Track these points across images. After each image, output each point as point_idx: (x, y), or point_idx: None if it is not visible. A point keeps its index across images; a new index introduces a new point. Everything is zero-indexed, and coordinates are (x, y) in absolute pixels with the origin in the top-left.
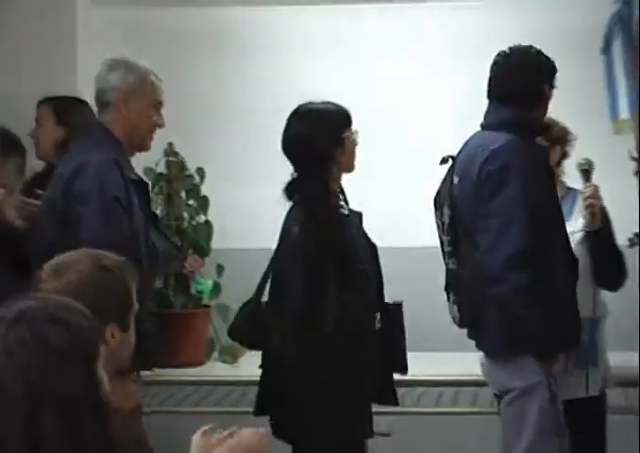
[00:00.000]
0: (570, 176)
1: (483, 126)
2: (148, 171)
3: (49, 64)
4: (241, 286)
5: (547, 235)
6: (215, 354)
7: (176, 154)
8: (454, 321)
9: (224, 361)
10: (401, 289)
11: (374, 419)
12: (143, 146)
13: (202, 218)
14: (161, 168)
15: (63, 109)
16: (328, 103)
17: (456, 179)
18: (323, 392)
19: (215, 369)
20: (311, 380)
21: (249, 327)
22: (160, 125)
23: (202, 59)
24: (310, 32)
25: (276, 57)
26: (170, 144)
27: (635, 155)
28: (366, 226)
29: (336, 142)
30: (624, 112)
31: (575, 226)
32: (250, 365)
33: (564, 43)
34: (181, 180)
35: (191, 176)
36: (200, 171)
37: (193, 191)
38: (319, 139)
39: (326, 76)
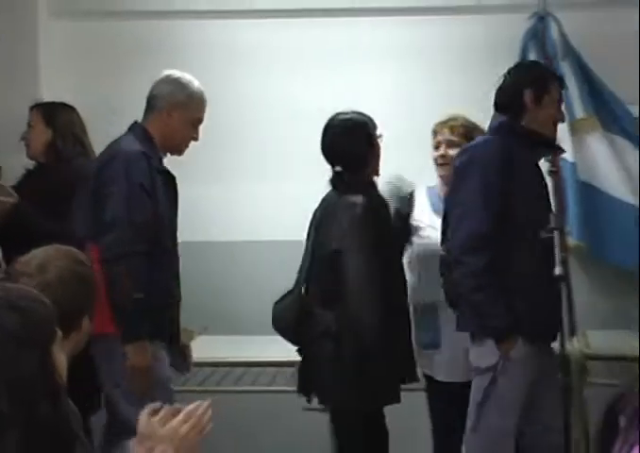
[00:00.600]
0: None
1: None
2: None
3: (11, 75)
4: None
5: (517, 229)
6: None
7: None
8: None
9: None
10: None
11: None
12: (176, 152)
13: None
14: None
15: (51, 113)
16: (358, 113)
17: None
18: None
19: None
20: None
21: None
22: (195, 139)
23: (157, 69)
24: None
25: (219, 66)
26: None
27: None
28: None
29: (369, 145)
30: None
31: None
32: (199, 348)
33: (485, 55)
34: None
35: None
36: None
37: None
38: (357, 143)
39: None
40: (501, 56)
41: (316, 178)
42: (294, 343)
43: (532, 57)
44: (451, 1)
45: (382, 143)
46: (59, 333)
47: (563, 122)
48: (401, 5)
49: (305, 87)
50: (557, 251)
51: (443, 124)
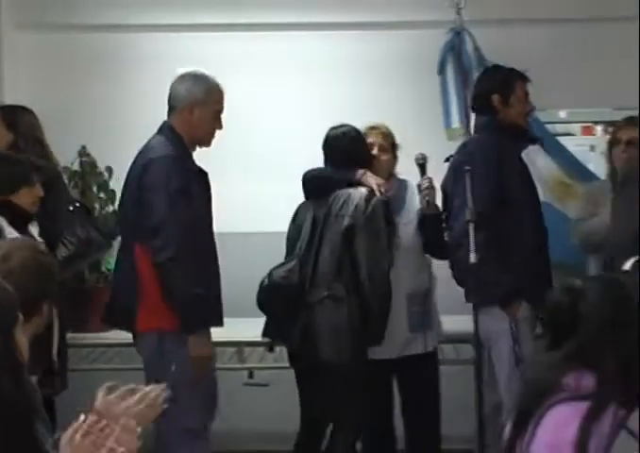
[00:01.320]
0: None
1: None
2: (65, 169)
3: None
4: None
5: (510, 213)
6: None
7: (88, 155)
8: None
9: None
10: None
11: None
12: (203, 144)
13: (110, 208)
14: (76, 166)
15: (12, 116)
16: (352, 127)
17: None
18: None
19: (122, 334)
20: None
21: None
22: (219, 128)
23: (111, 78)
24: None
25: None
26: (83, 147)
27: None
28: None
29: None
30: (455, 122)
31: (407, 216)
32: None
33: (408, 66)
34: (93, 177)
35: (101, 173)
36: (109, 169)
37: (103, 186)
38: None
39: None
40: (423, 66)
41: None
42: (291, 304)
43: (450, 68)
44: (378, 17)
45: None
46: (21, 317)
47: (533, 112)
48: (331, 20)
49: (240, 94)
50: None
51: (373, 130)
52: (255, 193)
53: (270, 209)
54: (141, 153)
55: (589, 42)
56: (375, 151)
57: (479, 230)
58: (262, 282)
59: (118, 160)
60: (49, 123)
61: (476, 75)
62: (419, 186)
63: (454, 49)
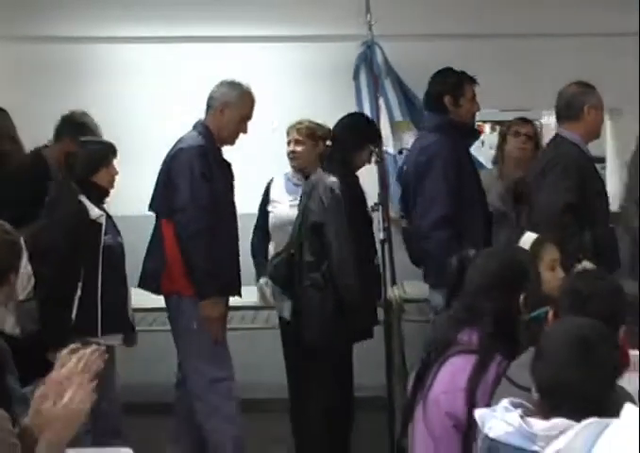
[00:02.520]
0: None
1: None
2: None
3: None
4: None
5: (466, 202)
6: None
7: None
8: None
9: None
10: None
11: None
12: (227, 142)
13: None
14: None
15: None
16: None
17: (405, 167)
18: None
19: None
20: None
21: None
22: (244, 132)
23: (70, 83)
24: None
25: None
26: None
27: (376, 150)
28: None
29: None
30: None
31: None
32: None
33: (329, 73)
34: None
35: None
36: None
37: None
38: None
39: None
40: (341, 73)
41: None
42: (285, 290)
43: (363, 75)
44: (304, 31)
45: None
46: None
47: (479, 111)
48: (264, 34)
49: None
50: (381, 221)
51: (292, 127)
52: None
53: None
54: (174, 145)
55: (480, 55)
56: (291, 147)
57: (444, 228)
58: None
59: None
60: (19, 121)
61: (385, 81)
62: None
63: (366, 59)
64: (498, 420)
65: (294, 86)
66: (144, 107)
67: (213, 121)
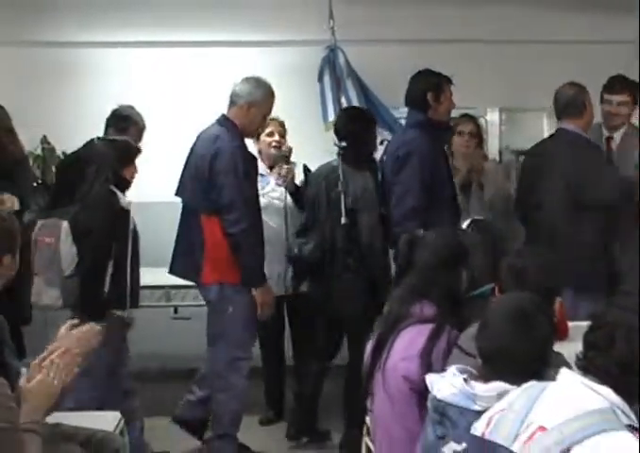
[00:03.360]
0: None
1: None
2: (30, 154)
3: None
4: None
5: (436, 195)
6: None
7: (48, 143)
8: None
9: None
10: None
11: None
12: (250, 136)
13: None
14: (39, 151)
15: None
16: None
17: (385, 157)
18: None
19: None
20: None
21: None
22: (263, 128)
23: (65, 84)
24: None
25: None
26: (45, 136)
27: (338, 143)
28: None
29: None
30: (330, 117)
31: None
32: None
33: (296, 74)
34: (52, 159)
35: (58, 157)
36: (64, 153)
37: None
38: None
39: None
40: (307, 74)
41: None
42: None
43: (327, 77)
44: (274, 37)
45: None
46: None
47: (454, 108)
48: (238, 39)
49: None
50: (343, 206)
51: (273, 120)
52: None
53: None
54: (203, 140)
55: (430, 58)
56: (275, 136)
57: (414, 219)
58: (294, 253)
59: (71, 147)
60: (18, 117)
61: (346, 82)
62: (280, 172)
63: (330, 62)
64: (445, 383)
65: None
66: (134, 104)
67: (238, 116)
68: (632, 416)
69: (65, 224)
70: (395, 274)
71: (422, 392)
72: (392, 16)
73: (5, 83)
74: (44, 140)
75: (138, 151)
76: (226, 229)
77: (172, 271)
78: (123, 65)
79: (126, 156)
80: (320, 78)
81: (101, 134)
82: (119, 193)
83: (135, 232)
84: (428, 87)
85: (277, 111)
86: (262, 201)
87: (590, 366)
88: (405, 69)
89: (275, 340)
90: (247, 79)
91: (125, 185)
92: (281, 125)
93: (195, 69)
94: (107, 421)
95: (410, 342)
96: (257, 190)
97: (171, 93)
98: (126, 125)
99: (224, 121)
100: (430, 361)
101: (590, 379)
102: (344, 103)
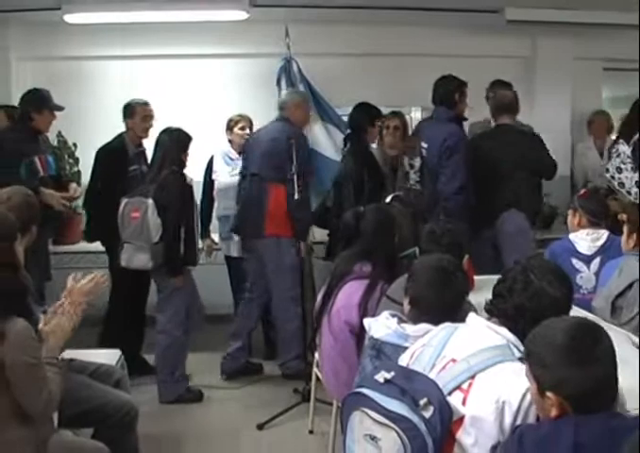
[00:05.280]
0: None
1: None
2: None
3: None
4: None
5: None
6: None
7: (62, 136)
8: None
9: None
10: None
11: None
12: (303, 126)
13: (75, 169)
14: (56, 143)
15: (11, 110)
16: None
17: (425, 145)
18: None
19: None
20: None
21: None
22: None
23: (78, 91)
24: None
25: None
26: (59, 131)
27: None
28: None
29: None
30: None
31: None
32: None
33: (259, 80)
34: (65, 149)
35: (70, 147)
36: (75, 144)
37: (71, 155)
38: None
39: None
40: (267, 80)
41: None
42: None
43: (283, 82)
44: (242, 50)
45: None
46: (19, 235)
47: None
48: (202, 52)
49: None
50: (296, 186)
51: (242, 117)
52: None
53: None
54: (266, 132)
55: (369, 68)
56: (246, 130)
57: (461, 193)
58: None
59: (81, 139)
60: None
61: (299, 86)
62: None
63: (286, 70)
64: (381, 325)
65: (231, 91)
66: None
67: (291, 115)
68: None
69: (150, 201)
70: (342, 240)
71: (359, 333)
72: (336, 33)
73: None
74: (59, 134)
75: (190, 139)
76: (289, 193)
77: (235, 231)
78: (120, 74)
79: (183, 143)
80: (278, 83)
81: (103, 128)
82: (186, 174)
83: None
84: (454, 88)
85: (244, 110)
86: (232, 180)
87: (494, 310)
88: (346, 76)
89: None
90: (290, 91)
91: (182, 166)
92: (249, 120)
93: (169, 79)
94: (110, 357)
95: (351, 293)
96: (308, 164)
97: (171, 98)
98: (129, 111)
99: (281, 118)
100: (367, 309)
101: (493, 322)
102: None
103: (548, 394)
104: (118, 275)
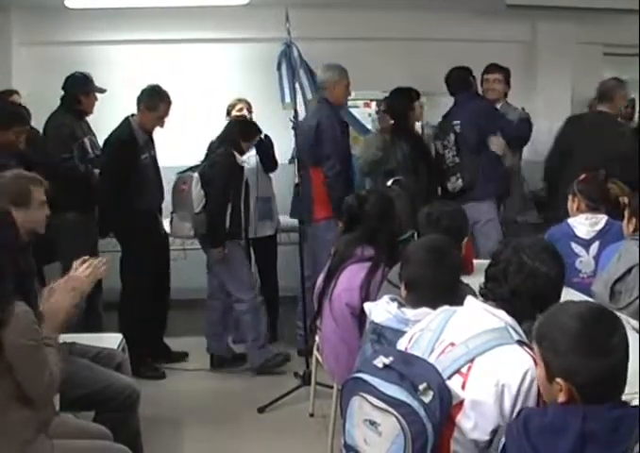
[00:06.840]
0: None
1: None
2: None
3: None
4: None
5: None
6: None
7: None
8: None
9: None
10: None
11: None
12: (340, 105)
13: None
14: None
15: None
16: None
17: (457, 122)
18: None
19: None
20: None
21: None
22: (347, 96)
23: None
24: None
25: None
26: None
27: (293, 120)
28: None
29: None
30: (287, 99)
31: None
32: None
33: (260, 64)
34: None
35: None
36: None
37: None
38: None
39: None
40: (268, 64)
41: None
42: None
43: (284, 67)
44: (244, 35)
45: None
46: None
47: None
48: (216, 37)
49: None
50: (296, 169)
51: (240, 101)
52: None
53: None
54: (305, 118)
55: (364, 52)
56: (244, 111)
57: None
58: None
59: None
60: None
61: (299, 70)
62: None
63: (286, 55)
64: (381, 309)
65: (232, 75)
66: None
67: (329, 94)
68: (521, 333)
69: (196, 174)
70: (345, 223)
71: (360, 316)
72: (336, 18)
73: (33, 75)
74: None
75: (259, 132)
76: (325, 173)
77: (292, 216)
78: (121, 59)
79: (246, 132)
80: (278, 68)
81: (106, 113)
82: (237, 155)
83: (247, 184)
84: (469, 73)
85: (244, 94)
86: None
87: (489, 294)
88: (347, 61)
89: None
90: (327, 66)
91: (241, 151)
92: (248, 104)
93: (174, 63)
94: (112, 341)
95: (352, 276)
96: (347, 145)
97: (177, 82)
98: (154, 100)
99: (322, 99)
100: (368, 292)
101: (490, 305)
102: (297, 87)
103: (558, 379)
104: (132, 267)
